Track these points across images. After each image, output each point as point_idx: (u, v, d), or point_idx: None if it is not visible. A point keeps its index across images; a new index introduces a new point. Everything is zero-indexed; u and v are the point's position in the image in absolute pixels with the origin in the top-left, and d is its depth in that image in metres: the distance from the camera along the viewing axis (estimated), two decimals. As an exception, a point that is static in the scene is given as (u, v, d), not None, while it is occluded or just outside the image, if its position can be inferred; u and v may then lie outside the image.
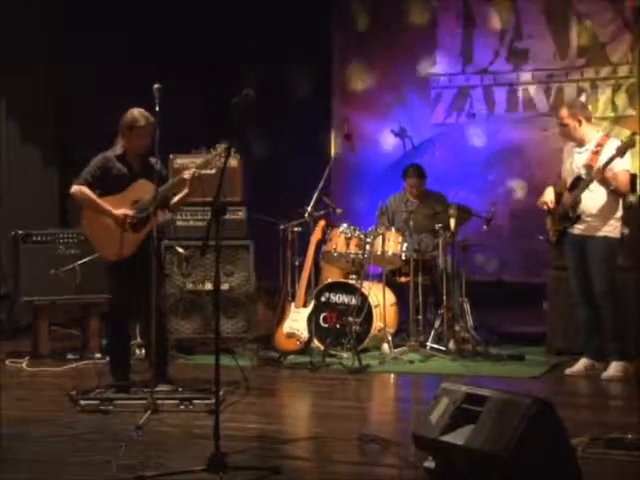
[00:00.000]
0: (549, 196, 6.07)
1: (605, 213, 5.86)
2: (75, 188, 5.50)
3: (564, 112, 5.95)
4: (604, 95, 9.37)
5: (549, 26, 9.56)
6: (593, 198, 5.85)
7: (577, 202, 5.88)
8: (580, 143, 5.96)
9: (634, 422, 4.78)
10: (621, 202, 5.92)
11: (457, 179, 9.61)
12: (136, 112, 5.42)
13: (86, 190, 5.48)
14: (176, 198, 5.56)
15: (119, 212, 5.43)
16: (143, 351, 6.50)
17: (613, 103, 9.37)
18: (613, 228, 5.90)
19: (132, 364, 5.72)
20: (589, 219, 5.88)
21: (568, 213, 5.93)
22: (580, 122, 5.90)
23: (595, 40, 9.40)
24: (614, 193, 5.81)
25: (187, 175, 5.43)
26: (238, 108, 4.20)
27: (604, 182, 5.71)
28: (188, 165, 6.69)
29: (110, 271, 5.59)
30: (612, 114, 9.30)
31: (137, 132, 5.41)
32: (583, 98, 9.13)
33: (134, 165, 5.53)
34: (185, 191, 5.50)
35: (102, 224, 5.47)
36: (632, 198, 6.01)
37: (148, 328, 5.37)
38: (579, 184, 5.87)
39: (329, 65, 10.34)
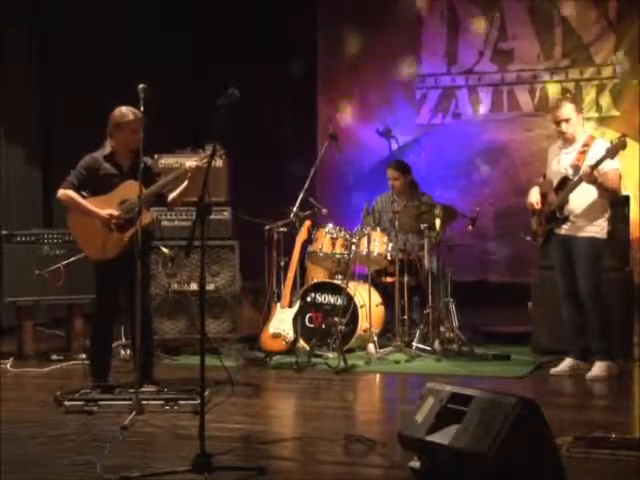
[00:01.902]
0: (535, 196, 6.06)
1: (593, 214, 5.86)
2: (61, 192, 5.51)
3: (569, 107, 5.86)
4: (588, 96, 9.42)
5: (533, 27, 9.61)
6: (581, 198, 5.84)
7: (564, 202, 5.88)
8: (571, 141, 5.93)
9: (618, 421, 4.81)
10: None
11: (442, 179, 9.65)
12: (124, 108, 5.43)
13: (71, 193, 5.47)
14: (175, 193, 5.55)
15: (104, 213, 5.42)
16: (128, 352, 6.49)
17: (597, 104, 9.42)
18: (600, 229, 5.90)
19: (112, 365, 5.68)
20: (576, 219, 5.88)
21: (555, 214, 5.92)
22: (580, 118, 5.92)
23: (579, 41, 9.46)
24: (606, 192, 5.78)
25: (189, 164, 5.42)
26: (223, 108, 4.19)
27: (594, 183, 5.70)
28: (173, 165, 6.69)
29: (97, 271, 5.58)
30: (596, 114, 9.35)
31: (126, 127, 5.40)
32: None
33: (124, 165, 5.51)
34: (185, 184, 5.49)
35: (89, 225, 5.46)
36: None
37: (134, 329, 5.36)
38: (566, 184, 5.87)
39: (315, 65, 10.35)
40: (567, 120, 5.86)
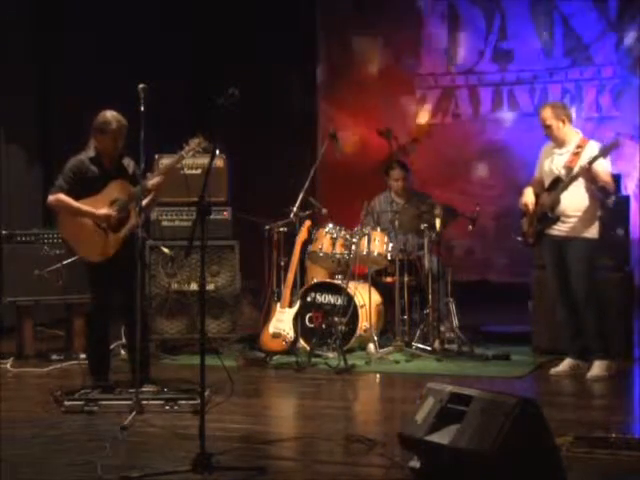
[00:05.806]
0: (529, 197, 6.05)
1: (584, 214, 5.86)
2: (51, 198, 5.49)
3: (547, 112, 5.94)
4: (588, 96, 9.42)
5: (533, 27, 9.62)
6: (572, 199, 5.84)
7: (556, 203, 5.88)
8: (561, 144, 5.95)
9: (618, 421, 4.81)
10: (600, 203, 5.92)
11: (442, 179, 9.65)
12: (108, 114, 5.40)
13: (63, 197, 5.44)
14: (144, 201, 5.51)
15: (101, 212, 5.41)
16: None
17: (597, 104, 9.42)
18: (592, 229, 5.90)
19: (112, 365, 5.68)
20: (568, 220, 5.88)
21: (547, 214, 5.93)
22: (564, 122, 5.91)
23: (579, 41, 9.46)
24: (600, 189, 5.79)
25: (150, 185, 5.42)
26: (223, 108, 4.20)
27: (591, 179, 5.71)
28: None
29: (90, 272, 5.57)
30: (596, 115, 9.35)
31: (108, 135, 5.39)
32: (567, 99, 9.19)
33: (108, 166, 5.50)
34: (150, 196, 5.48)
35: (81, 226, 5.45)
36: (609, 201, 5.99)
37: (130, 329, 5.37)
38: (558, 185, 5.87)
39: (314, 65, 10.35)
40: (548, 126, 5.90)
